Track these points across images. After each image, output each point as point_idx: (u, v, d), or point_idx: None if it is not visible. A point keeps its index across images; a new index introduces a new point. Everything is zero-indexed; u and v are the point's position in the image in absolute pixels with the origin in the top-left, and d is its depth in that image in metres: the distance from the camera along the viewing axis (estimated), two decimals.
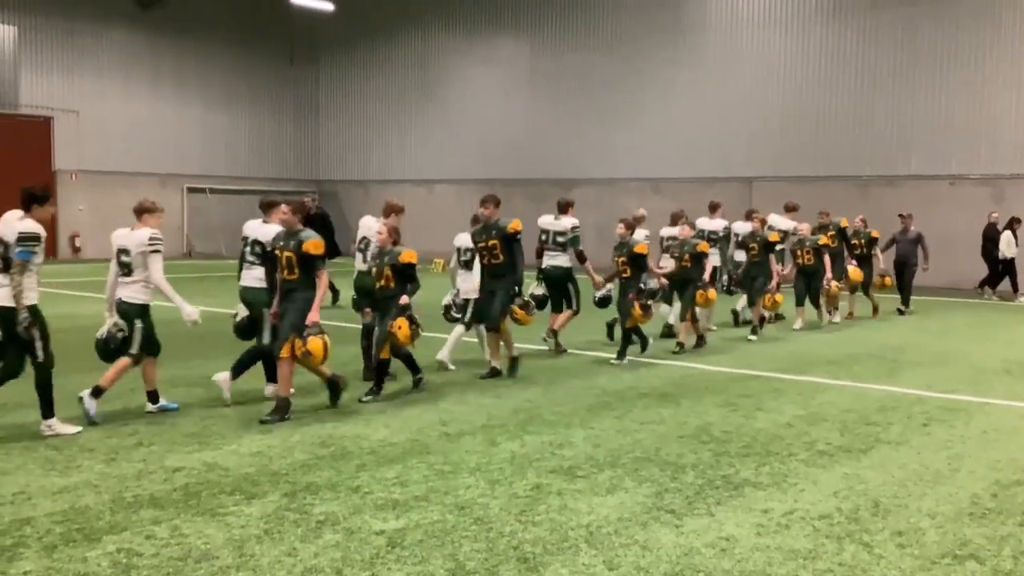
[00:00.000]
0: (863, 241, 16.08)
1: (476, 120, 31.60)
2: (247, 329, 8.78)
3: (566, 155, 29.34)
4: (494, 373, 10.02)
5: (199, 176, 32.51)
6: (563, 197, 12.78)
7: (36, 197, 7.29)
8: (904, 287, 17.36)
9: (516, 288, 10.01)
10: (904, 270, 17.28)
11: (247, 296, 8.72)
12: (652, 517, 5.51)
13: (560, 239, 11.81)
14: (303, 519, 5.40)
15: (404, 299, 8.73)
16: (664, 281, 12.45)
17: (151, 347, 7.98)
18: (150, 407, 8.09)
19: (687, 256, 12.35)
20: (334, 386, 8.43)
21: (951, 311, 18.09)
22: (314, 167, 36.23)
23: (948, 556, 4.99)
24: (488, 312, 10.06)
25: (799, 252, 14.70)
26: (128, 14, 30.88)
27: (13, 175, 28.31)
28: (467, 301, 10.47)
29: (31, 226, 7.11)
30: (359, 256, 9.87)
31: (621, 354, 11.13)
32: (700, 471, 6.49)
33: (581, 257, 11.81)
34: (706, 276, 12.57)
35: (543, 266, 11.77)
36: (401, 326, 8.62)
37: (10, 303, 7.04)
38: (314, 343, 7.86)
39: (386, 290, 8.86)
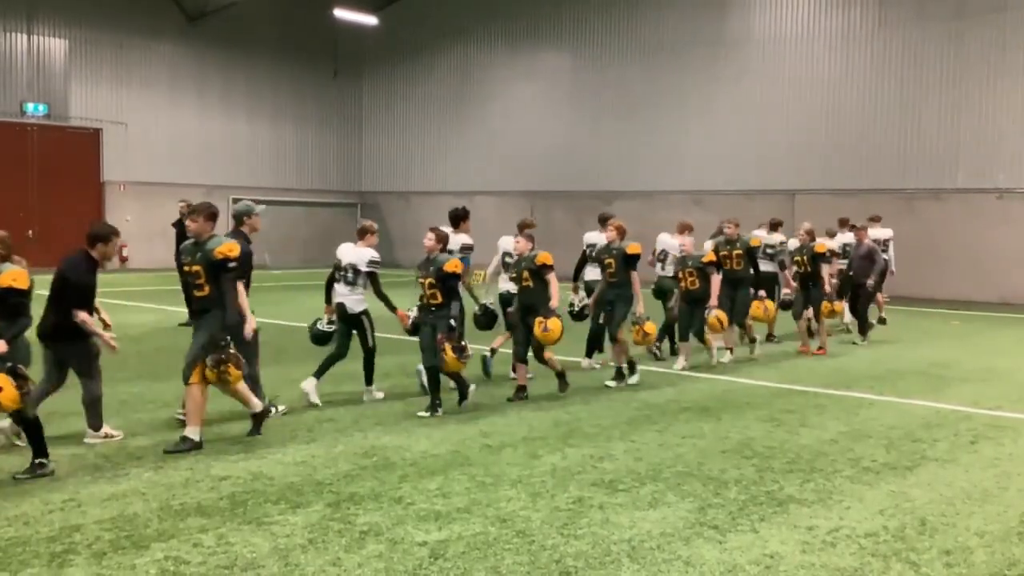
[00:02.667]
0: (805, 258, 13.18)
1: (517, 132, 31.69)
2: (324, 336, 9.36)
3: (607, 168, 29.33)
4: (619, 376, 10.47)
5: (244, 188, 32.87)
6: (604, 211, 12.67)
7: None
8: (858, 313, 14.73)
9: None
10: (859, 293, 14.66)
11: (340, 311, 9.29)
12: (695, 533, 5.49)
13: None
14: (347, 529, 5.45)
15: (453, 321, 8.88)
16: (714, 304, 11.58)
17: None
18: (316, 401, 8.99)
19: (691, 272, 11.53)
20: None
21: (998, 327, 17.81)
22: (356, 179, 36.53)
23: None
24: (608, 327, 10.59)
25: (682, 274, 11.72)
26: (176, 27, 31.39)
27: (64, 186, 28.99)
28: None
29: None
30: (503, 273, 10.97)
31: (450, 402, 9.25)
32: (743, 487, 6.45)
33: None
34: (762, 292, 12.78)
35: (587, 279, 11.81)
36: (448, 352, 8.64)
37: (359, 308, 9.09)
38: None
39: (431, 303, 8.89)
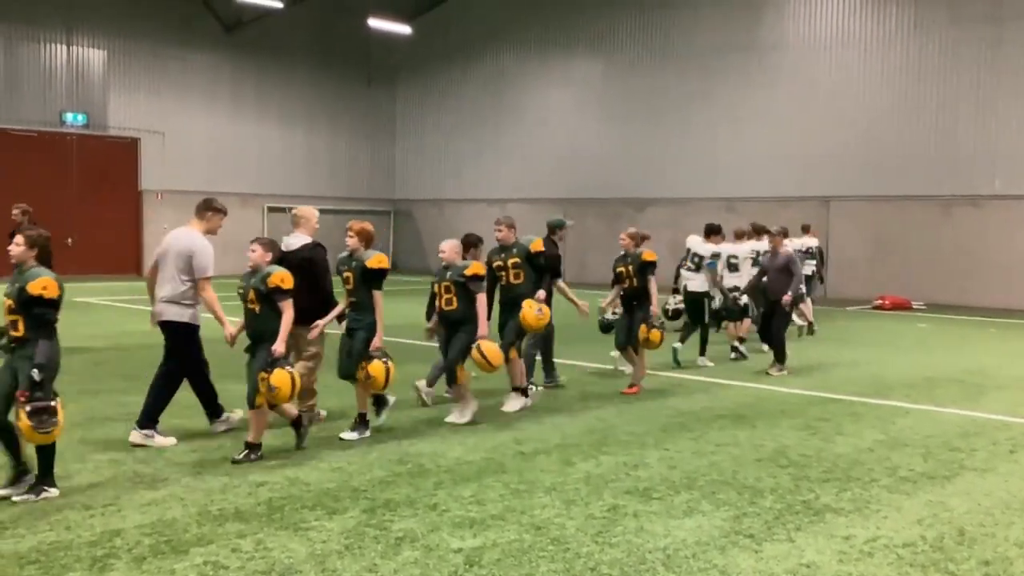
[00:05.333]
0: (631, 268, 10.42)
1: (549, 139, 31.73)
2: (611, 326, 10.85)
3: (640, 174, 29.28)
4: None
5: (278, 196, 33.18)
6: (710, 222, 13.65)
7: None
8: (773, 338, 12.20)
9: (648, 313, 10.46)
10: (774, 310, 12.17)
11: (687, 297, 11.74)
12: (730, 541, 5.47)
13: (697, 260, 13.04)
14: (383, 535, 5.49)
15: (654, 309, 10.10)
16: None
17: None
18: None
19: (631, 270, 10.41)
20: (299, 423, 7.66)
21: None
22: (389, 186, 36.72)
23: None
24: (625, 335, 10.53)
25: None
26: (212, 37, 31.74)
27: (102, 195, 29.37)
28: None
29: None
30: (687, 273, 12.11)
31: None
32: (779, 495, 6.42)
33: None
34: (801, 287, 12.81)
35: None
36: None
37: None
38: (376, 368, 7.90)
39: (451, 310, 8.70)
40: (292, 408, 7.55)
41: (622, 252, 10.53)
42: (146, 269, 8.82)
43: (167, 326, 7.86)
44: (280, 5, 30.11)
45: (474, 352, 8.56)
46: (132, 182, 30.20)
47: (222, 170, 31.83)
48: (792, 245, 14.29)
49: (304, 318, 7.87)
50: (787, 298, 11.84)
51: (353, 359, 7.99)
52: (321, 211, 9.27)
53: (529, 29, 32.20)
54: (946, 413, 9.57)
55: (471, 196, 33.48)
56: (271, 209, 33.05)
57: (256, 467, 6.97)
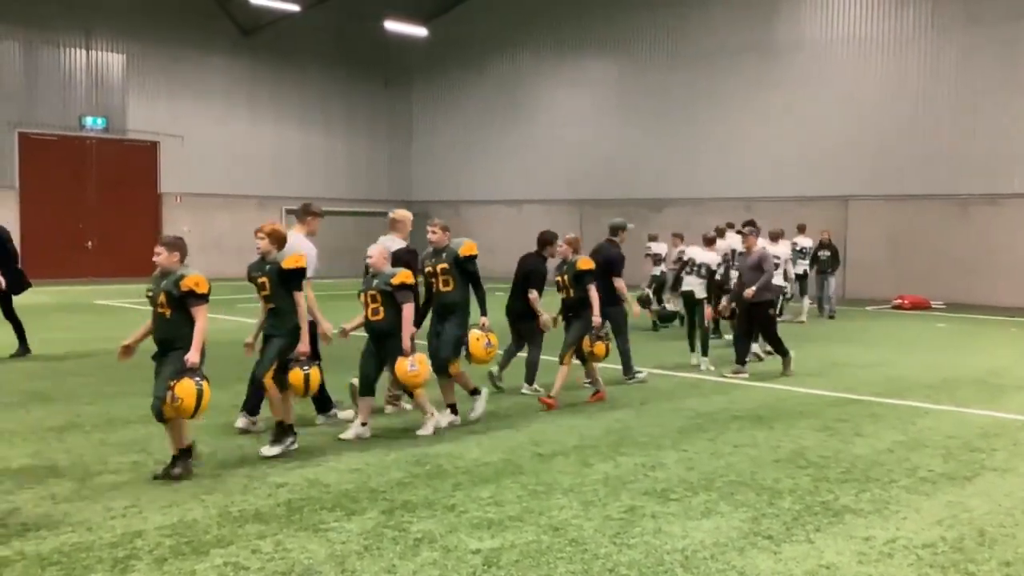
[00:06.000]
0: (567, 277, 9.81)
1: (565, 140, 31.74)
2: (671, 316, 12.47)
3: (655, 175, 29.25)
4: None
5: (296, 198, 33.22)
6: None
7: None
8: (770, 339, 11.98)
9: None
10: (752, 312, 11.74)
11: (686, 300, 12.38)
12: (749, 543, 5.46)
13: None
14: (401, 536, 5.51)
15: (596, 320, 9.56)
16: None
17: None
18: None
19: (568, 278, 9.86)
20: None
21: None
22: (406, 188, 36.81)
23: None
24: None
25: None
26: (230, 41, 31.92)
27: (122, 198, 29.60)
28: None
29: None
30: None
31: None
32: (798, 496, 6.40)
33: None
34: (787, 287, 12.65)
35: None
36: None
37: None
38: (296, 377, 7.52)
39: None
40: (185, 436, 6.78)
41: (560, 260, 10.04)
42: None
43: None
44: (297, 8, 30.25)
45: (397, 368, 7.89)
46: (151, 185, 30.42)
47: (240, 172, 32.03)
48: (777, 246, 14.38)
49: None
50: (750, 292, 11.61)
51: (263, 366, 7.39)
52: (339, 213, 9.39)
53: (544, 30, 32.22)
54: (966, 413, 9.52)
55: (487, 197, 33.53)
56: (289, 211, 33.18)
57: (275, 468, 7.00)
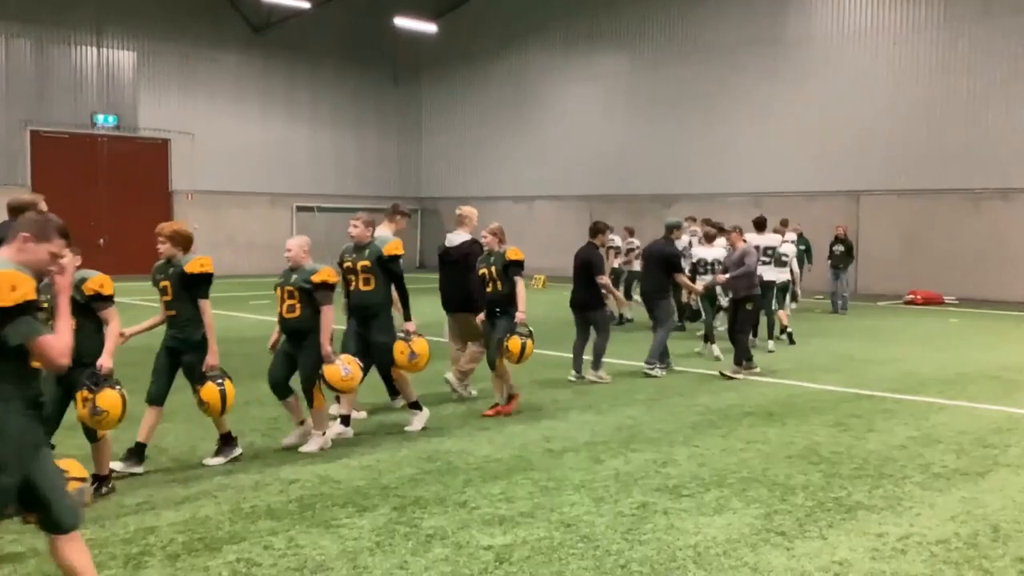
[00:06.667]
0: (494, 270, 9.02)
1: (575, 136, 31.69)
2: (697, 313, 13.08)
3: (665, 170, 29.17)
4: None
5: (307, 195, 33.37)
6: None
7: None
8: (735, 339, 11.64)
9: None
10: (736, 311, 11.86)
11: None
12: (762, 539, 5.45)
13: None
14: (413, 532, 5.51)
15: (520, 316, 8.84)
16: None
17: None
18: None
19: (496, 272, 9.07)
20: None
21: None
22: (416, 184, 36.83)
23: None
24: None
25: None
26: (240, 38, 31.96)
27: (133, 195, 29.67)
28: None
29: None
30: None
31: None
32: (810, 492, 6.38)
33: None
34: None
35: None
36: (514, 342, 8.75)
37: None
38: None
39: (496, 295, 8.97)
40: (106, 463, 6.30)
41: (486, 250, 9.21)
42: None
43: None
44: (308, 6, 30.29)
45: (329, 375, 7.34)
46: (162, 183, 30.50)
47: (251, 170, 32.08)
48: (762, 239, 14.54)
49: (461, 307, 9.48)
50: (722, 278, 11.98)
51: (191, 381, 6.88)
52: (349, 209, 9.47)
53: (553, 25, 32.17)
54: (980, 409, 9.47)
55: (497, 193, 33.50)
56: (300, 208, 33.25)
57: (287, 465, 7.02)
